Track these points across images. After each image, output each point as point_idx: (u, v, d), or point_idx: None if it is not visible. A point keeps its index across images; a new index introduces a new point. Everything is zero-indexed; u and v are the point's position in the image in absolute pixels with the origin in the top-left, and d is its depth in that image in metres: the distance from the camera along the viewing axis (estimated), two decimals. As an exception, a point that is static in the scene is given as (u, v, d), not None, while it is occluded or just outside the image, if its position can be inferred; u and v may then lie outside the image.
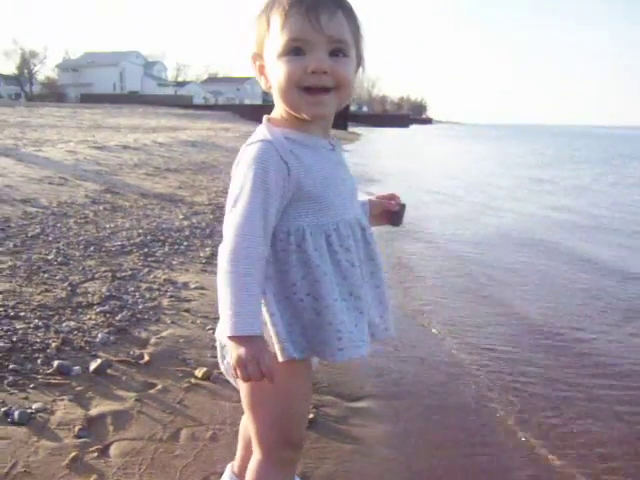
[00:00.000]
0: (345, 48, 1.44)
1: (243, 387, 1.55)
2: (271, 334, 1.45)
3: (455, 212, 9.54)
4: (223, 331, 1.39)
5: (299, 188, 1.45)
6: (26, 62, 79.43)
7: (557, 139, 56.47)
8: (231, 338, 1.36)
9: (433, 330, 4.02)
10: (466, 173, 17.47)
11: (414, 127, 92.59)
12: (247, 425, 1.59)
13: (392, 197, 1.80)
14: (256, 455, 1.59)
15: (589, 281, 5.46)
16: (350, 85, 1.47)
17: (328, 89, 1.44)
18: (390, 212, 1.79)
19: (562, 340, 3.93)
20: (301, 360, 1.50)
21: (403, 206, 1.79)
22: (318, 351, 1.51)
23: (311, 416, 2.59)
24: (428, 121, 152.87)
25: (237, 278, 1.36)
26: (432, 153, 29.08)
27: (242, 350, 1.35)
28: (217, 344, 1.62)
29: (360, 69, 1.57)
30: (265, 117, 1.54)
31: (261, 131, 1.48)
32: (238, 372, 1.37)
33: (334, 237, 1.49)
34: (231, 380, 1.64)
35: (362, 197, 1.74)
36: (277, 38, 1.42)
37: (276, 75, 1.44)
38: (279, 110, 1.53)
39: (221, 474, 1.98)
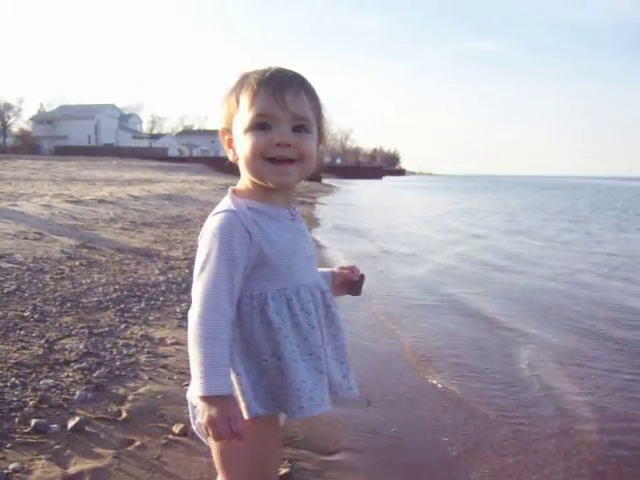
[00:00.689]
0: (307, 125, 1.59)
1: (214, 446, 1.62)
2: (237, 393, 1.54)
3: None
4: (194, 391, 1.46)
5: (261, 255, 1.56)
6: (0, 114, 79.44)
7: (523, 190, 57.81)
8: (202, 398, 1.44)
9: (412, 380, 4.10)
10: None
11: (387, 178, 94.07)
12: None
13: (352, 269, 1.90)
14: None
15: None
16: (312, 158, 1.61)
17: (292, 160, 1.57)
18: (351, 282, 1.91)
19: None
20: (266, 417, 1.59)
21: (362, 277, 1.91)
22: (282, 408, 1.60)
23: (287, 470, 2.65)
24: (401, 172, 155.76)
25: (206, 341, 1.45)
26: (399, 206, 29.43)
27: (213, 410, 1.43)
28: (189, 404, 1.68)
29: (321, 146, 1.70)
30: (230, 189, 1.66)
31: (225, 202, 1.60)
32: (210, 431, 1.44)
33: (295, 301, 1.60)
34: (203, 439, 1.69)
35: (326, 269, 1.89)
36: (245, 114, 1.56)
37: (243, 147, 1.57)
38: (244, 181, 1.65)
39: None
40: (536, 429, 3.38)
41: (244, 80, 1.60)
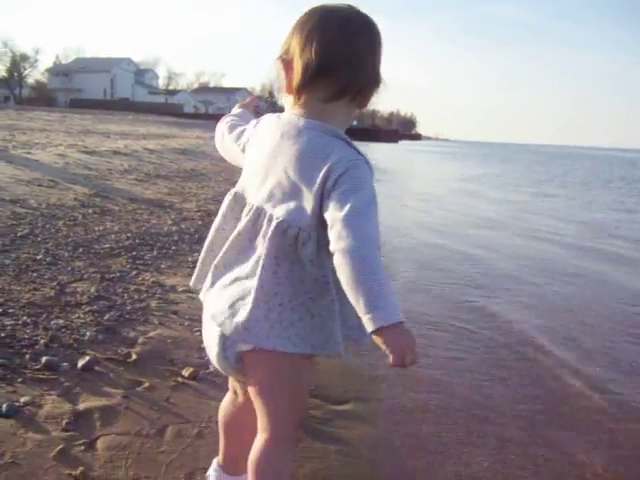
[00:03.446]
0: None
1: (262, 378, 1.60)
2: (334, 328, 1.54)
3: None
4: (374, 326, 1.35)
5: None
6: (16, 65, 79.09)
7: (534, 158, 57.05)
8: (387, 329, 1.34)
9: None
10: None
11: (403, 143, 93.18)
12: (261, 411, 1.63)
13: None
14: (266, 438, 1.64)
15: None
16: None
17: None
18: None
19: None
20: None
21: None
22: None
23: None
24: (417, 137, 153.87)
25: (381, 273, 1.38)
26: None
27: (406, 335, 1.36)
28: (216, 336, 1.59)
29: None
30: (340, 132, 1.55)
31: (350, 149, 1.51)
32: (406, 359, 1.35)
33: None
34: (230, 373, 1.67)
35: None
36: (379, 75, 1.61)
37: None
38: (340, 123, 1.59)
39: (206, 469, 2.02)
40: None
41: (378, 35, 1.60)
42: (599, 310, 5.16)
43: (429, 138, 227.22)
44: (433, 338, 4.06)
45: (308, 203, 1.47)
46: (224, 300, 1.57)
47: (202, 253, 1.74)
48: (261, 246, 1.52)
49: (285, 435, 1.65)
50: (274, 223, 1.51)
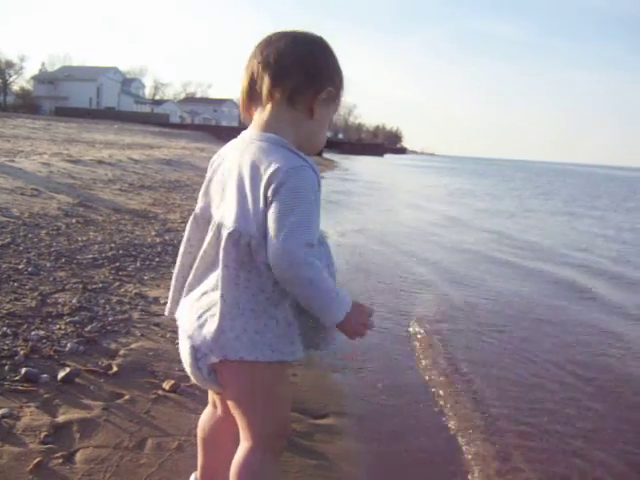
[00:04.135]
0: None
1: (241, 385, 1.61)
2: (285, 340, 1.58)
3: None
4: (334, 318, 1.53)
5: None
6: (1, 72, 78.49)
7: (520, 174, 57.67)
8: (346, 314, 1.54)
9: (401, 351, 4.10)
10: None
11: (388, 156, 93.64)
12: (241, 421, 1.65)
13: None
14: (248, 447, 1.65)
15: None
16: None
17: None
18: None
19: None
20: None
21: None
22: (312, 344, 1.67)
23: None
24: (402, 151, 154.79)
25: (323, 279, 1.51)
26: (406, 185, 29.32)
27: (359, 313, 1.58)
28: (188, 349, 1.64)
29: None
30: (281, 139, 1.60)
31: (292, 156, 1.56)
32: (363, 331, 1.60)
33: (324, 251, 1.63)
34: (204, 384, 1.69)
35: None
36: (331, 110, 1.69)
37: (320, 135, 1.70)
38: (290, 134, 1.62)
39: (185, 483, 2.02)
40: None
41: (339, 75, 1.69)
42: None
43: (415, 152, 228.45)
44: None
45: (256, 211, 1.52)
46: (193, 312, 1.63)
47: (172, 281, 1.79)
48: (221, 258, 1.57)
49: (267, 445, 1.65)
50: (225, 233, 1.56)
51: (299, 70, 1.60)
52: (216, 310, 1.56)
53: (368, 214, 13.11)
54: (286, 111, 1.61)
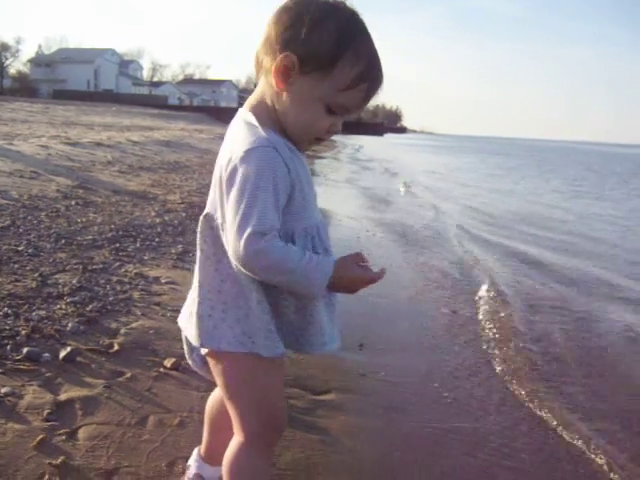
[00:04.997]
0: None
1: (224, 375, 1.58)
2: (259, 334, 1.50)
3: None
4: (320, 287, 1.44)
5: (292, 192, 1.45)
6: (-3, 55, 77.95)
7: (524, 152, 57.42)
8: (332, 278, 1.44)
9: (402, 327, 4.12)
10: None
11: (388, 135, 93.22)
12: (230, 411, 1.62)
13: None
14: (238, 439, 1.63)
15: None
16: None
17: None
18: None
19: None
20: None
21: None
22: (297, 345, 1.58)
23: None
24: (402, 130, 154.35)
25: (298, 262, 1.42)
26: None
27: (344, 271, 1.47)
28: (183, 339, 1.68)
29: None
30: (250, 113, 1.48)
31: (257, 133, 1.42)
32: (359, 285, 1.50)
33: (317, 240, 1.54)
34: (202, 373, 1.71)
35: None
36: (333, 90, 1.41)
37: (303, 114, 1.44)
38: (268, 110, 1.48)
39: (187, 458, 2.04)
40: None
41: (357, 47, 1.40)
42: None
43: (414, 131, 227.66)
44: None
45: (223, 194, 1.44)
46: (186, 305, 1.64)
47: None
48: (198, 242, 1.53)
49: (254, 438, 1.61)
50: (201, 217, 1.52)
51: (281, 31, 1.40)
52: (197, 300, 1.53)
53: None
54: (265, 82, 1.47)
